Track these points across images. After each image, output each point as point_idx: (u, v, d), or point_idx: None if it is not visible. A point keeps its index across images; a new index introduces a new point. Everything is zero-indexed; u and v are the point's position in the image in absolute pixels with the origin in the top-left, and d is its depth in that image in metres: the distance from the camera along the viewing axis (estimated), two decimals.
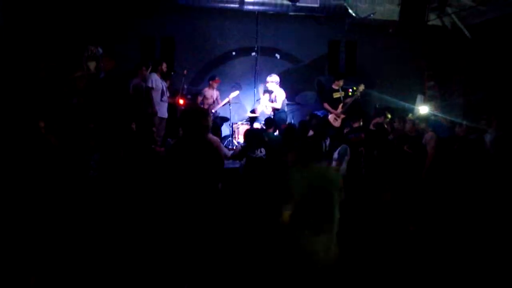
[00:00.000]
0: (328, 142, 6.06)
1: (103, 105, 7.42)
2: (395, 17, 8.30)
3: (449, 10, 9.57)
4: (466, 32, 9.80)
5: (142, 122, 6.67)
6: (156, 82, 7.12)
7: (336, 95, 8.47)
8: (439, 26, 10.08)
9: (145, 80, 7.19)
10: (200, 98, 8.66)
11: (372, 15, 8.80)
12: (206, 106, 8.49)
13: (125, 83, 7.62)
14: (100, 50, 8.04)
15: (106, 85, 7.98)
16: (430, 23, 8.95)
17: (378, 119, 7.55)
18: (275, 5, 8.81)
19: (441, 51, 10.50)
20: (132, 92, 7.42)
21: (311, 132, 6.18)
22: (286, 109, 8.50)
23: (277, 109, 8.11)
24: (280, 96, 8.12)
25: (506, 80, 8.87)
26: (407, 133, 6.58)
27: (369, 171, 5.10)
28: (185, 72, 8.33)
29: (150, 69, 7.36)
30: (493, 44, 9.30)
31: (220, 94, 8.78)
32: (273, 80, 8.14)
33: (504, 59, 8.97)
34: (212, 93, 8.62)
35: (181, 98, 8.31)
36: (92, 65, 8.05)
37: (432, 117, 7.87)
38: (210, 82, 8.62)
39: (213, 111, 8.37)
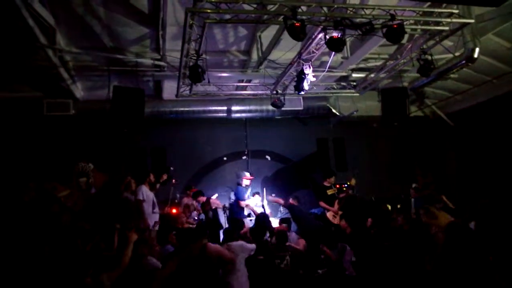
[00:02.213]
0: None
1: (96, 222, 7.21)
2: (377, 112, 8.65)
3: (428, 101, 10.08)
4: (448, 120, 10.18)
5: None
6: (146, 193, 7.04)
7: (330, 192, 8.43)
8: (421, 117, 10.51)
9: (134, 193, 7.11)
10: (180, 209, 8.50)
11: (355, 112, 9.19)
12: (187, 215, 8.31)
13: (116, 197, 7.52)
14: (91, 166, 8.09)
15: (97, 200, 7.88)
16: (412, 114, 9.35)
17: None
18: (261, 111, 9.23)
19: (426, 139, 10.77)
20: (122, 205, 7.28)
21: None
22: None
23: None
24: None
25: (496, 162, 8.97)
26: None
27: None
28: (173, 181, 8.33)
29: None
30: (476, 129, 9.61)
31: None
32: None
33: (490, 142, 9.19)
34: (189, 202, 8.48)
35: (174, 208, 8.17)
36: (82, 181, 8.03)
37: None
38: (187, 192, 8.61)
39: (195, 218, 8.17)
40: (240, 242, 5.08)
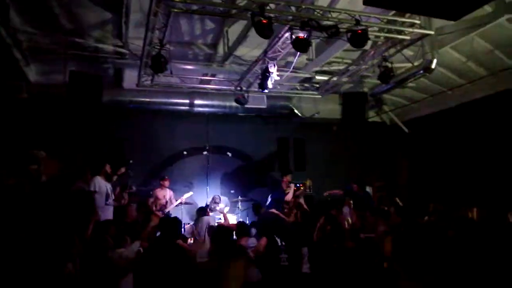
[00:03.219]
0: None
1: (45, 212, 6.89)
2: (338, 115, 8.82)
3: (386, 108, 10.41)
4: (403, 127, 10.57)
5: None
6: (100, 185, 6.79)
7: (286, 191, 8.48)
8: (379, 122, 10.85)
9: (88, 183, 6.85)
10: (151, 200, 8.32)
11: (316, 114, 9.34)
12: (158, 207, 8.17)
13: (68, 187, 7.22)
14: (43, 154, 7.71)
15: (47, 189, 7.53)
16: (370, 119, 9.62)
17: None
18: (224, 107, 9.16)
19: (382, 145, 11.14)
20: (74, 196, 7.00)
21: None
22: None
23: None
24: None
25: (446, 169, 9.41)
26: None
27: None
28: (131, 174, 8.11)
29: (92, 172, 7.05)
30: (430, 137, 10.04)
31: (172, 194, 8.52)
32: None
33: (442, 150, 9.62)
34: (164, 193, 8.35)
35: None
36: (33, 169, 7.65)
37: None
38: (161, 182, 8.41)
39: (166, 211, 8.04)
40: None
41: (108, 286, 4.19)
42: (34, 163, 7.60)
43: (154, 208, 8.19)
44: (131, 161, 8.05)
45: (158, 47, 6.02)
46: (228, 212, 8.50)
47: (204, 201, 9.16)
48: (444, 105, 9.37)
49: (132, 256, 4.46)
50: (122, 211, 7.54)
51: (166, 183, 8.40)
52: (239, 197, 9.11)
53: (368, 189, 10.45)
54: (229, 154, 9.98)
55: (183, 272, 4.34)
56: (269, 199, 8.23)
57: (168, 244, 4.66)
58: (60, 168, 8.00)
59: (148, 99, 8.81)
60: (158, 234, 5.57)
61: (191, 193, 8.46)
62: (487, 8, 6.10)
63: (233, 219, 8.40)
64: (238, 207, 9.09)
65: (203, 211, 7.35)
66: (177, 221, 5.22)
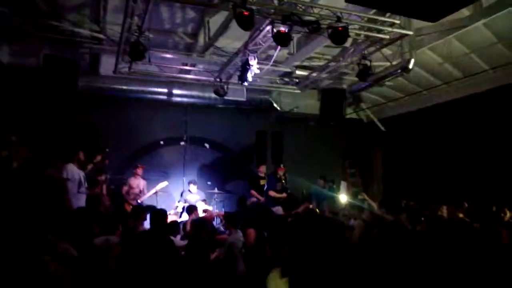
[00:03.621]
0: None
1: (15, 197, 6.70)
2: (316, 110, 8.89)
3: (363, 105, 10.55)
4: (380, 125, 10.74)
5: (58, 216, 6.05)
6: (72, 172, 6.65)
7: (262, 182, 8.56)
8: (356, 119, 10.99)
9: (60, 170, 6.69)
10: (125, 188, 8.22)
11: (295, 109, 9.38)
12: (132, 196, 8.08)
13: (39, 173, 7.03)
14: (14, 139, 7.48)
15: (18, 175, 7.31)
16: (347, 116, 9.73)
17: (305, 206, 7.67)
18: (204, 97, 9.08)
19: (359, 142, 11.31)
20: (46, 183, 6.83)
21: None
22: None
23: None
24: None
25: (419, 168, 9.65)
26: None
27: None
28: (106, 162, 7.97)
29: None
30: (404, 135, 10.25)
31: (148, 184, 8.42)
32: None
33: (416, 148, 9.84)
34: (138, 183, 8.25)
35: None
36: (3, 154, 7.42)
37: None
38: (134, 171, 8.31)
39: (139, 201, 7.96)
40: None
41: None
42: (4, 148, 7.38)
43: (128, 197, 8.12)
44: (107, 149, 7.89)
45: (137, 34, 5.88)
46: (205, 203, 8.53)
47: (180, 191, 9.14)
48: (420, 104, 9.58)
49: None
50: (96, 199, 7.44)
51: (139, 171, 8.30)
52: (216, 189, 9.09)
53: (343, 185, 10.66)
54: (207, 145, 9.92)
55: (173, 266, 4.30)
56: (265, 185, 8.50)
57: (158, 238, 4.63)
58: (31, 155, 7.79)
59: (125, 87, 8.61)
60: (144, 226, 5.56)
61: (166, 183, 8.38)
62: (465, 12, 6.24)
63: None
64: (215, 198, 9.08)
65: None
66: (166, 213, 5.23)
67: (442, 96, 8.99)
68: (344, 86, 9.19)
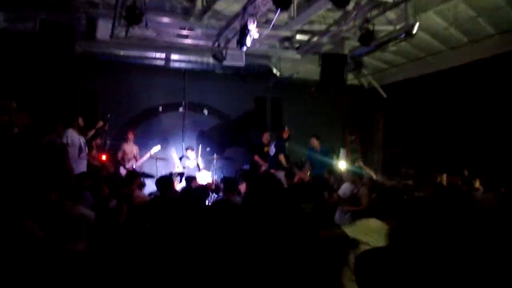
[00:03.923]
0: None
1: (16, 163, 6.76)
2: (317, 76, 8.75)
3: (365, 71, 10.38)
4: (381, 91, 10.62)
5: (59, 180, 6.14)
6: (72, 137, 6.68)
7: (266, 149, 8.63)
8: (357, 85, 10.85)
9: (60, 136, 6.73)
10: (120, 154, 8.29)
11: (295, 74, 9.25)
12: (127, 162, 8.16)
13: (40, 139, 7.07)
14: (13, 104, 7.46)
15: (19, 141, 7.35)
16: (349, 82, 9.59)
17: (302, 173, 7.74)
18: (202, 63, 8.96)
19: (360, 108, 11.22)
20: (46, 149, 6.88)
21: None
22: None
23: None
24: None
25: (421, 135, 9.62)
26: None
27: None
28: (106, 128, 7.99)
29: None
30: (406, 102, 10.15)
31: (146, 150, 8.46)
32: None
33: (417, 116, 9.78)
34: (131, 148, 8.31)
35: (104, 154, 7.88)
36: (4, 119, 7.42)
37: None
38: (125, 136, 8.34)
39: (133, 166, 8.02)
40: None
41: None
42: (5, 113, 7.38)
43: (123, 162, 8.20)
44: (108, 115, 7.88)
45: None
46: (203, 168, 8.61)
47: (179, 157, 9.21)
48: (423, 70, 9.41)
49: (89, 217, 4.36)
50: (99, 165, 7.53)
51: (130, 135, 8.33)
52: (215, 155, 9.14)
53: (342, 152, 10.69)
54: (206, 111, 9.89)
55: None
56: (273, 149, 8.50)
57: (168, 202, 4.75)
58: (31, 120, 7.79)
59: (122, 52, 8.49)
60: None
61: (158, 146, 8.42)
62: None
63: (208, 177, 8.50)
64: (213, 165, 9.15)
65: None
66: (172, 179, 5.48)
67: (446, 61, 8.80)
68: (346, 51, 9.00)
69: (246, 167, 8.79)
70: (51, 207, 4.24)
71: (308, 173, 7.96)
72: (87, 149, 7.08)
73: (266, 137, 8.98)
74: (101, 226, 4.48)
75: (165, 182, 5.23)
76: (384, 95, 10.69)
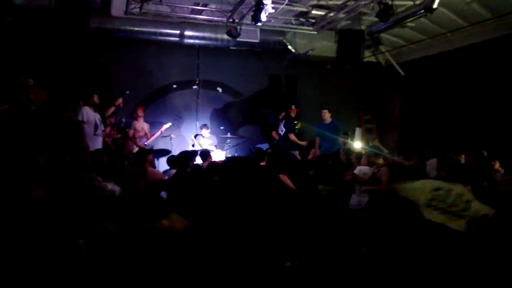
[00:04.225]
0: None
1: (34, 138, 6.88)
2: (333, 53, 8.60)
3: (382, 48, 10.13)
4: (399, 69, 10.37)
5: (76, 156, 6.23)
6: (88, 115, 6.73)
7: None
8: (374, 63, 10.62)
9: (76, 113, 6.79)
10: (131, 132, 8.31)
11: (310, 51, 9.08)
12: (137, 139, 8.19)
13: (57, 116, 7.16)
14: (31, 81, 7.54)
15: (37, 118, 7.46)
16: (365, 59, 9.38)
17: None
18: (216, 39, 8.85)
19: (376, 86, 11.00)
20: (64, 125, 6.97)
21: None
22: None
23: None
24: None
25: (438, 115, 9.41)
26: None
27: None
28: (121, 105, 8.03)
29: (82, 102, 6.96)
30: (424, 80, 9.90)
31: (160, 128, 8.50)
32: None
33: (434, 95, 9.55)
34: (142, 125, 8.34)
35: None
36: (22, 96, 7.52)
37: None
38: (135, 114, 8.36)
39: (145, 143, 8.08)
40: None
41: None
42: (22, 91, 7.48)
43: (135, 140, 8.24)
44: (127, 92, 7.88)
45: None
46: (216, 148, 8.64)
47: (192, 135, 9.24)
48: (443, 47, 9.12)
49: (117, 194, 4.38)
50: (120, 143, 7.58)
51: (140, 112, 8.32)
52: (229, 134, 9.15)
53: (358, 131, 10.58)
54: (220, 89, 9.84)
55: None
56: (283, 129, 8.45)
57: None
58: (46, 98, 7.88)
59: (137, 28, 8.43)
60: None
61: (169, 124, 8.45)
62: None
63: (222, 155, 8.52)
64: (228, 143, 9.16)
65: None
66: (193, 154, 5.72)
67: (468, 38, 8.49)
68: (363, 27, 8.79)
69: (260, 146, 8.78)
70: (83, 183, 4.31)
71: (318, 147, 7.93)
72: (102, 126, 7.14)
73: (283, 114, 8.90)
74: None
75: (187, 156, 5.37)
76: (402, 73, 10.44)
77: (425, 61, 9.73)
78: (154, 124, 8.55)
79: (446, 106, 9.23)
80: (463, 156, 7.05)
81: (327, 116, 8.32)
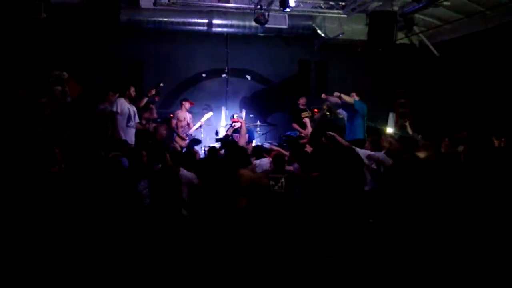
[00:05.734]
0: None
1: (71, 131, 7.16)
2: (364, 36, 8.39)
3: (416, 29, 9.77)
4: (434, 50, 9.99)
5: (109, 147, 6.43)
6: (122, 106, 6.88)
7: (304, 114, 8.44)
8: (407, 45, 10.27)
9: (111, 105, 6.99)
10: (174, 122, 8.43)
11: (340, 35, 8.88)
12: (180, 129, 8.30)
13: (92, 108, 7.42)
14: (65, 75, 7.81)
15: (73, 110, 7.75)
16: (398, 41, 9.08)
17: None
18: (244, 27, 8.82)
19: (410, 69, 10.65)
20: (98, 117, 7.21)
21: None
22: None
23: None
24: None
25: (475, 97, 9.02)
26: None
27: None
28: (157, 98, 8.16)
29: (117, 94, 7.14)
30: (460, 61, 9.49)
31: (192, 117, 8.61)
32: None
33: (471, 76, 9.14)
34: (185, 116, 8.44)
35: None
36: (57, 90, 7.81)
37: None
38: (182, 103, 8.44)
39: (188, 133, 8.21)
40: None
41: None
42: (58, 84, 7.77)
43: (177, 130, 8.36)
44: (161, 83, 8.01)
45: None
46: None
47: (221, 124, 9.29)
48: (481, 26, 8.67)
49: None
50: (151, 130, 7.73)
51: (187, 104, 8.42)
52: (258, 122, 9.13)
53: (392, 116, 10.29)
54: (248, 77, 9.82)
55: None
56: None
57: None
58: (81, 90, 8.16)
59: (165, 19, 8.53)
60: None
61: (211, 113, 8.53)
62: None
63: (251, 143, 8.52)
64: (257, 131, 9.15)
65: None
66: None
67: (508, 15, 8.05)
68: (395, 8, 8.50)
69: (290, 133, 8.73)
70: (164, 171, 4.63)
71: None
72: (137, 118, 7.28)
73: (302, 102, 8.79)
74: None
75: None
76: (437, 54, 10.04)
77: (462, 41, 9.30)
78: None
79: (484, 88, 8.82)
80: (503, 140, 6.74)
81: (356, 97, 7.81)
